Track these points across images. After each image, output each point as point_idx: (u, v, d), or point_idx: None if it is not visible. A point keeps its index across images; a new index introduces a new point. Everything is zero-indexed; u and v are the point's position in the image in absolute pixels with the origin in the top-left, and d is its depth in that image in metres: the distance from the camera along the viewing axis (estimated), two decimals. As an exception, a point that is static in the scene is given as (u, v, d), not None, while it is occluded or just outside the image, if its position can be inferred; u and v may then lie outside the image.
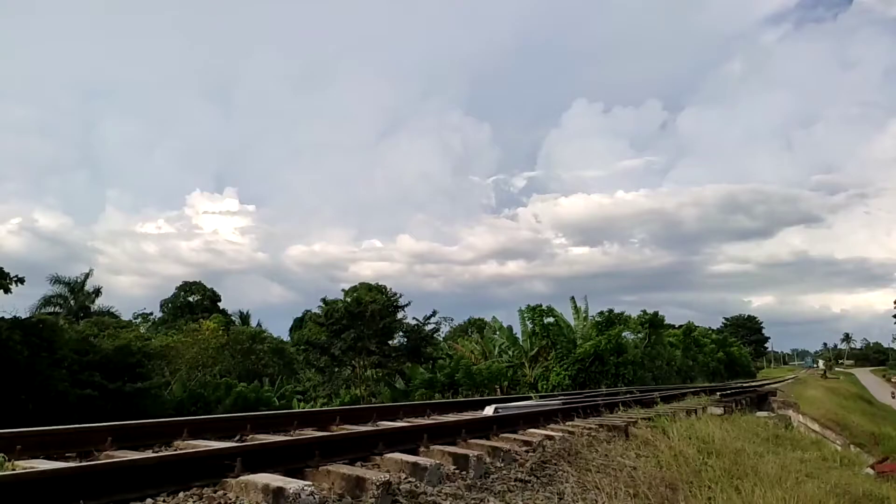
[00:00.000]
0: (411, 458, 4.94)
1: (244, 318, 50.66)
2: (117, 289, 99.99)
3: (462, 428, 6.50)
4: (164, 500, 3.59)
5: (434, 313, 37.73)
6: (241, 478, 3.83)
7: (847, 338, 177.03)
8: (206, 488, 3.81)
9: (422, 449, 5.62)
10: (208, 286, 52.67)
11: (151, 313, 50.72)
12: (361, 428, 7.14)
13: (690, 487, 6.12)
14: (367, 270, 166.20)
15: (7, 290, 15.38)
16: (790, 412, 21.54)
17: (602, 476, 6.06)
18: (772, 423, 13.78)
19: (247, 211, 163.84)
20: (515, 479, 5.35)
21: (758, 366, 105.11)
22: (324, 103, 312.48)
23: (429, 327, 36.67)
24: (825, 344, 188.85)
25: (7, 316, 16.43)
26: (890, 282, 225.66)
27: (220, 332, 35.61)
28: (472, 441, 6.26)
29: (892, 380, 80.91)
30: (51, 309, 35.95)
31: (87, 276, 39.25)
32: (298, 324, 45.89)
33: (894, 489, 8.14)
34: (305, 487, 3.62)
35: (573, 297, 34.66)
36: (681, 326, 57.08)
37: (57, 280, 37.28)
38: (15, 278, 15.54)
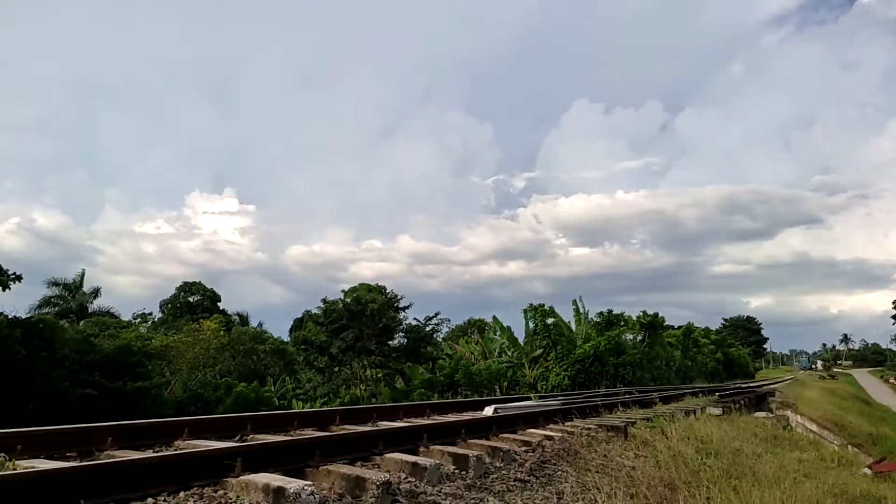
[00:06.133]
0: (411, 458, 4.96)
1: (243, 318, 50.67)
2: (116, 289, 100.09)
3: (462, 428, 6.52)
4: (164, 500, 3.61)
5: (436, 314, 37.97)
6: (242, 477, 3.85)
7: (845, 338, 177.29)
8: (206, 488, 3.83)
9: (422, 449, 5.64)
10: (208, 286, 52.75)
11: (151, 313, 50.77)
12: (361, 428, 7.16)
13: (689, 487, 6.14)
14: (367, 271, 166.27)
15: (6, 287, 15.39)
16: (788, 412, 21.55)
17: (601, 476, 6.08)
18: (770, 423, 13.81)
19: (246, 211, 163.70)
20: (515, 479, 5.37)
21: (756, 366, 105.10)
22: (324, 103, 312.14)
23: (429, 328, 36.80)
24: (824, 345, 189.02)
25: (7, 316, 16.45)
26: (888, 283, 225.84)
27: (222, 332, 35.65)
28: (472, 441, 6.27)
29: (890, 380, 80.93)
30: (49, 309, 35.97)
31: (82, 276, 39.30)
32: (298, 324, 45.90)
33: (892, 489, 8.17)
34: (306, 487, 3.63)
35: (575, 301, 34.78)
36: (680, 327, 57.15)
37: (53, 283, 37.31)
38: (12, 275, 15.56)
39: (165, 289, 74.81)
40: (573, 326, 33.57)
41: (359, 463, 5.03)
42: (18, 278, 15.72)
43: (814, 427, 23.63)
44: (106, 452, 4.98)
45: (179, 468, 3.84)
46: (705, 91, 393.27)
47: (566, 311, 34.45)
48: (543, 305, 32.52)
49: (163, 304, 51.53)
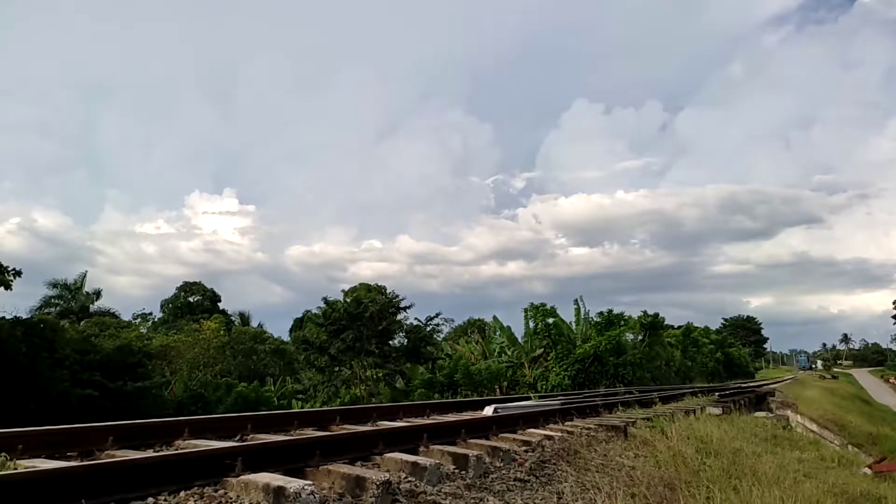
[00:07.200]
0: (411, 458, 4.97)
1: (244, 318, 50.70)
2: (117, 289, 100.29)
3: (462, 428, 6.52)
4: (165, 500, 3.61)
5: (437, 314, 38.10)
6: (242, 477, 3.86)
7: (846, 338, 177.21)
8: (207, 487, 3.83)
9: (421, 448, 5.64)
10: (208, 286, 52.80)
11: (151, 313, 50.83)
12: (361, 428, 7.16)
13: (689, 487, 6.14)
14: (367, 271, 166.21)
15: (7, 286, 15.39)
16: (788, 412, 21.57)
17: (601, 476, 6.08)
18: (770, 423, 13.81)
19: (246, 211, 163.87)
20: (515, 479, 5.38)
21: (756, 366, 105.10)
22: (324, 104, 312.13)
23: (429, 328, 36.88)
24: (824, 344, 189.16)
25: (8, 316, 16.47)
26: (888, 283, 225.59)
27: (222, 332, 35.69)
28: (472, 441, 6.28)
29: (891, 380, 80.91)
30: (50, 310, 36.03)
31: (83, 277, 39.38)
32: (298, 324, 45.92)
33: (892, 489, 8.17)
34: (306, 487, 3.64)
35: (576, 300, 34.75)
36: (680, 327, 57.17)
37: (54, 284, 37.39)
38: (13, 271, 15.56)
39: (166, 289, 74.94)
40: (573, 326, 33.54)
41: (359, 462, 5.04)
42: (18, 274, 15.74)
43: (814, 427, 23.64)
44: (106, 452, 4.99)
45: (180, 468, 3.84)
46: (705, 91, 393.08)
47: (566, 311, 34.44)
48: (544, 305, 32.51)
49: (163, 305, 51.59)
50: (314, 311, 35.82)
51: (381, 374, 33.11)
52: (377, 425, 7.52)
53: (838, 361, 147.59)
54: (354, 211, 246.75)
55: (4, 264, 15.44)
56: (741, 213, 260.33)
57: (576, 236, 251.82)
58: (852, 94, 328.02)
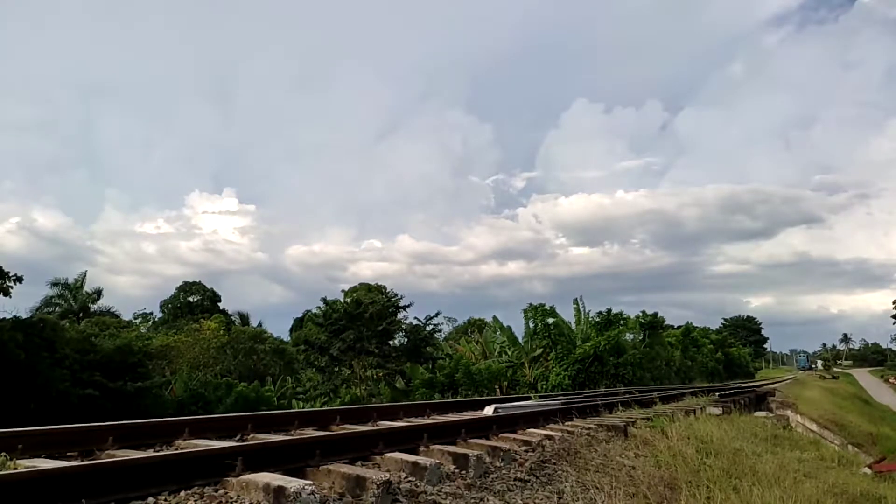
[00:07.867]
0: (411, 458, 4.97)
1: (244, 318, 50.71)
2: (117, 289, 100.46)
3: (462, 428, 6.52)
4: (165, 499, 3.61)
5: (437, 314, 38.16)
6: (243, 477, 3.86)
7: (846, 338, 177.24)
8: (207, 487, 3.83)
9: (422, 448, 5.64)
10: (208, 286, 52.81)
11: (151, 313, 50.87)
12: (361, 427, 7.16)
13: (689, 487, 6.15)
14: (367, 271, 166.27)
15: (6, 293, 15.36)
16: (788, 412, 21.57)
17: (601, 475, 6.09)
18: (770, 423, 13.81)
19: (246, 211, 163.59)
20: (515, 479, 5.38)
21: (756, 366, 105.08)
22: (323, 103, 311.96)
23: (429, 328, 36.92)
24: (824, 344, 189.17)
25: (8, 317, 16.45)
26: (888, 283, 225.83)
27: (222, 332, 35.69)
28: (472, 441, 6.28)
29: (890, 380, 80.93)
30: (51, 310, 36.04)
31: (83, 277, 39.42)
32: (298, 324, 45.94)
33: (892, 489, 8.17)
34: (306, 486, 3.64)
35: (576, 300, 34.78)
36: (680, 327, 57.20)
37: (55, 283, 37.43)
38: (13, 277, 15.53)
39: (165, 289, 75.02)
40: (573, 326, 33.56)
41: (359, 462, 5.04)
42: (19, 280, 15.71)
43: (814, 427, 23.63)
44: (107, 452, 4.99)
45: (180, 467, 3.85)
46: (705, 91, 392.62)
47: (566, 311, 34.46)
48: (544, 305, 32.54)
49: (163, 304, 51.60)
50: (314, 311, 35.86)
51: (381, 374, 33.11)
52: (377, 425, 7.51)
53: (838, 361, 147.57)
54: (354, 211, 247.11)
55: (5, 269, 15.42)
56: (741, 212, 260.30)
57: (576, 236, 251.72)
58: (852, 94, 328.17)
